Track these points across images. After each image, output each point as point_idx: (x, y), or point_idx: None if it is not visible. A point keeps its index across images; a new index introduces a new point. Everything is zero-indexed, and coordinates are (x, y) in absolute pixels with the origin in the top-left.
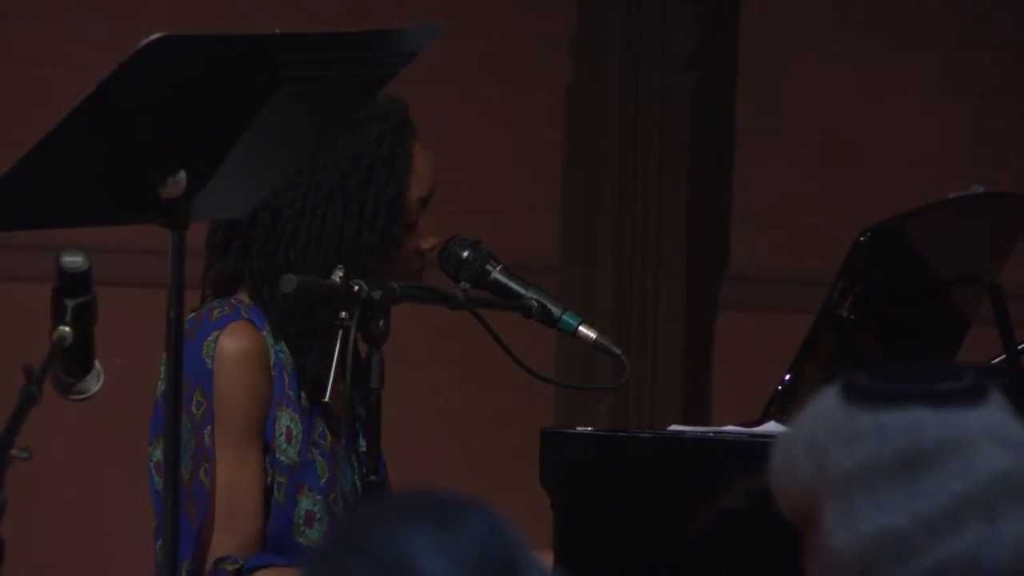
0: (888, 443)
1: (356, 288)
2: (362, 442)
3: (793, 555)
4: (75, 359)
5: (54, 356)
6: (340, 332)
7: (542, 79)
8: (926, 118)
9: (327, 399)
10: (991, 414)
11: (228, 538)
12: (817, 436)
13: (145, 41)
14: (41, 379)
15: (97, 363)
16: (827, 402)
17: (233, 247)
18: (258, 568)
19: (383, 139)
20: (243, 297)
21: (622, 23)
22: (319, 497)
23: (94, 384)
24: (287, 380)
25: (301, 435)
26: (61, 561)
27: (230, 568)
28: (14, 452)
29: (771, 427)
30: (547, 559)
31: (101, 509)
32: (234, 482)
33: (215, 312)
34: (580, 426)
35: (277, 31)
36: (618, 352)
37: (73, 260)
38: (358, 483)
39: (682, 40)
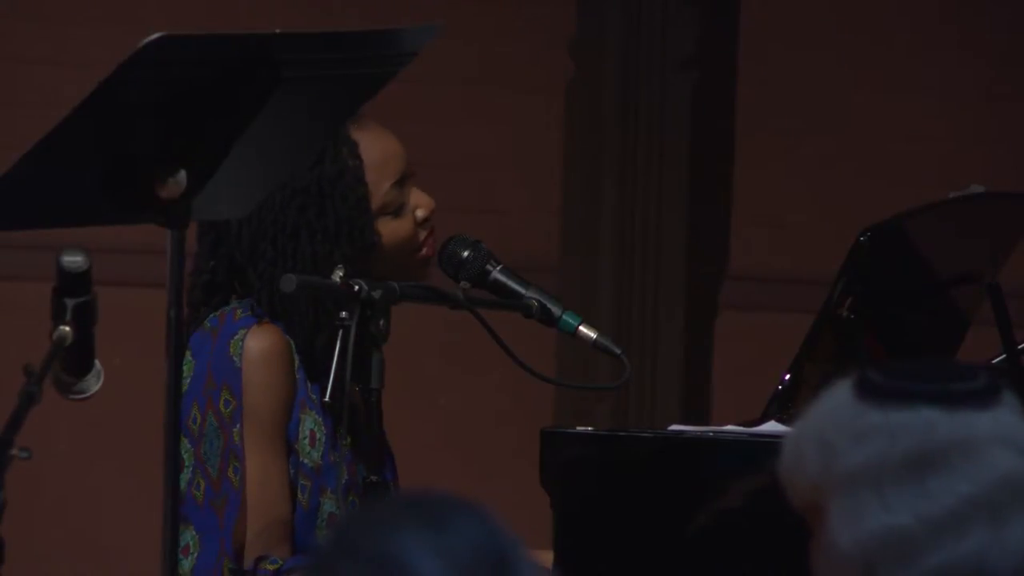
0: (897, 443)
1: (356, 288)
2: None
3: (793, 554)
4: (75, 359)
5: (54, 356)
6: (340, 332)
7: (542, 79)
8: (926, 118)
9: (327, 399)
10: (1002, 416)
11: (265, 536)
12: (827, 431)
13: (145, 41)
14: (41, 379)
15: (97, 363)
16: (838, 397)
17: (213, 302)
18: (295, 569)
19: (323, 158)
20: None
21: (622, 23)
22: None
23: (94, 384)
24: (310, 383)
25: (325, 438)
26: (61, 561)
27: (271, 568)
28: (14, 452)
29: (771, 427)
30: (547, 559)
31: (101, 508)
32: (266, 480)
33: (239, 312)
34: (580, 426)
35: (277, 31)
36: (618, 352)
37: (73, 260)
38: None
39: (682, 40)
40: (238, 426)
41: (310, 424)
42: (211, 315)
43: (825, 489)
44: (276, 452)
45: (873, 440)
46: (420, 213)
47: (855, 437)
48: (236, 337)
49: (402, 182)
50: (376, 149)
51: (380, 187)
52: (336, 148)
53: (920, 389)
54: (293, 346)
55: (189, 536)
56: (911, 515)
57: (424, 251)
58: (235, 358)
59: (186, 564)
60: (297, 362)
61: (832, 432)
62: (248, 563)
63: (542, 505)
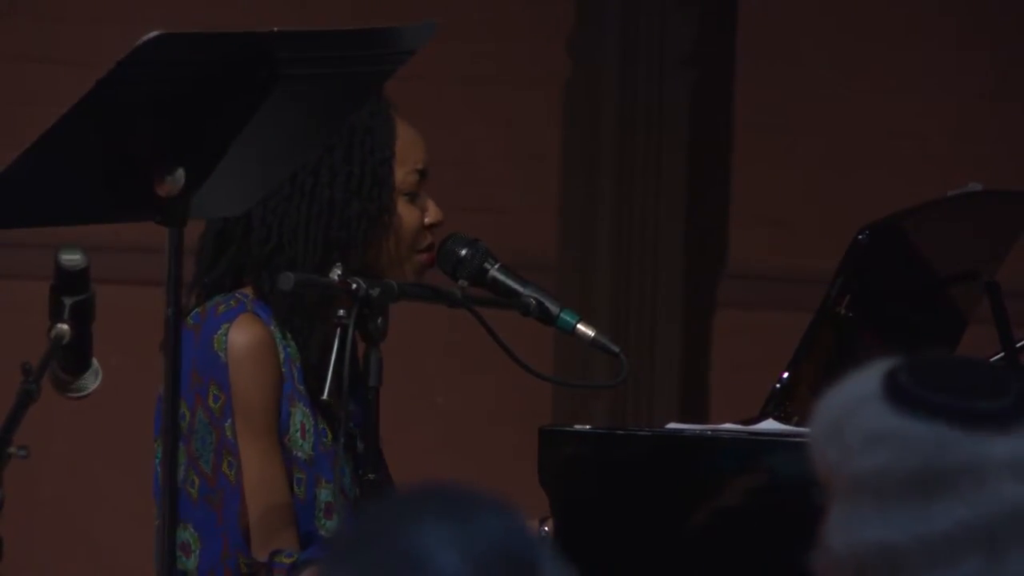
0: (907, 456)
1: (354, 286)
2: (359, 444)
3: (790, 553)
4: (73, 357)
5: (52, 354)
6: (338, 330)
7: (540, 77)
8: (924, 116)
9: (325, 397)
10: (1020, 443)
11: (272, 524)
12: (845, 422)
13: (143, 39)
14: (39, 377)
15: (95, 361)
16: (868, 386)
17: (226, 255)
18: (311, 561)
19: (361, 108)
20: (248, 291)
21: (621, 20)
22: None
23: (92, 382)
24: (296, 375)
25: (313, 428)
26: (59, 559)
27: (287, 561)
28: (12, 450)
29: (769, 425)
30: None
31: (99, 507)
32: (266, 469)
33: (221, 307)
34: (578, 424)
35: (275, 29)
36: (616, 350)
37: (71, 258)
38: (354, 483)
39: (681, 38)
40: (229, 421)
41: (300, 416)
42: (193, 311)
43: (833, 484)
44: (272, 441)
45: (885, 447)
46: (428, 218)
47: (869, 439)
48: (219, 332)
49: (421, 174)
50: (408, 132)
51: (404, 165)
52: (373, 108)
53: (942, 403)
54: (278, 335)
55: (188, 535)
56: (908, 534)
57: (424, 256)
58: (220, 353)
59: (189, 563)
60: (283, 354)
61: (849, 425)
62: (262, 555)
63: (540, 504)
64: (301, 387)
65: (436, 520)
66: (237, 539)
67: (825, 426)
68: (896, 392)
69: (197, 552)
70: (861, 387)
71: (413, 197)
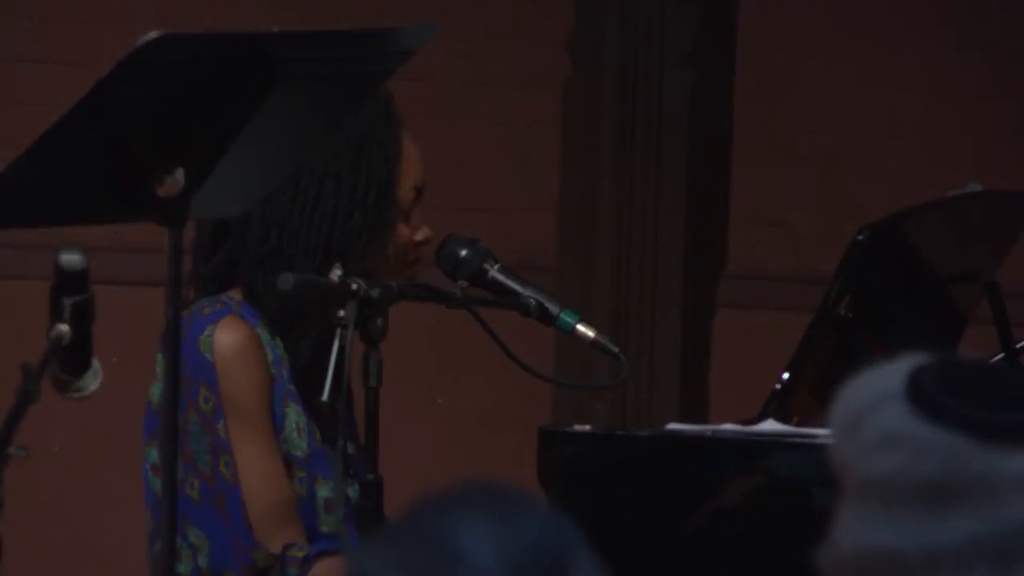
0: (920, 464)
1: (354, 287)
2: (349, 445)
3: (791, 554)
4: (73, 357)
5: (52, 354)
6: (338, 331)
7: (540, 77)
8: (924, 116)
9: (325, 398)
10: None
11: (280, 518)
12: (864, 419)
13: (143, 40)
14: (39, 377)
15: (95, 361)
16: (891, 382)
17: (224, 246)
18: (321, 555)
19: (373, 119)
20: (234, 295)
21: (620, 21)
22: (332, 483)
23: (92, 382)
24: (286, 375)
25: (306, 426)
26: (59, 559)
27: (299, 555)
28: (12, 451)
29: (769, 425)
30: None
31: (99, 507)
32: (265, 464)
33: (206, 309)
34: (578, 425)
35: (274, 30)
36: (616, 350)
37: (71, 258)
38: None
39: (680, 38)
40: (221, 421)
41: (294, 416)
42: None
43: (845, 479)
44: (268, 438)
45: (899, 452)
46: (417, 235)
47: (884, 440)
48: (204, 334)
49: (418, 192)
50: (408, 146)
51: (404, 183)
52: (384, 120)
53: (961, 411)
54: (265, 337)
55: (193, 535)
56: (915, 542)
57: (409, 272)
58: (207, 354)
59: (181, 567)
60: (272, 356)
61: (867, 422)
62: (275, 547)
63: None
64: (291, 387)
65: (475, 515)
66: (245, 535)
67: (844, 418)
68: (918, 394)
69: (206, 552)
70: (885, 383)
71: (407, 214)
